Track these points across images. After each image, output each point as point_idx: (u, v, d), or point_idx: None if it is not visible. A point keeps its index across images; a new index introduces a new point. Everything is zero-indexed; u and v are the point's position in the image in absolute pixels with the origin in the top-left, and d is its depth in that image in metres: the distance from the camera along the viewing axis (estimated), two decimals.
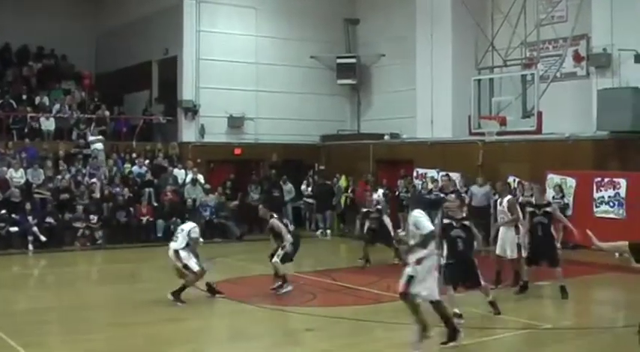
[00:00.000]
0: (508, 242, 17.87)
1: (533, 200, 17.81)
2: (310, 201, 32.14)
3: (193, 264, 16.69)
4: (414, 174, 31.07)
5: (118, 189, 29.07)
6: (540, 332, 14.04)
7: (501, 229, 18.24)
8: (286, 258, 18.03)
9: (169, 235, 27.96)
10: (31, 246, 26.02)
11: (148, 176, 30.67)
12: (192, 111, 33.62)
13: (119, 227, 28.27)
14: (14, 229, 26.46)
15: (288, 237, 18.04)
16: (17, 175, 28.19)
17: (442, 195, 21.14)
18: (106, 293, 18.75)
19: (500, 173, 27.62)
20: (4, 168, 28.35)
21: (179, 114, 34.03)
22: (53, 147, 30.89)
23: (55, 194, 27.90)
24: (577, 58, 29.10)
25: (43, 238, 26.34)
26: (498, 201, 18.94)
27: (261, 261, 23.11)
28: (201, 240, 17.50)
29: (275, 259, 17.91)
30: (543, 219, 17.07)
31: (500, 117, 27.75)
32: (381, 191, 25.19)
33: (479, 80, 28.43)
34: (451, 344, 12.46)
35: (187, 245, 16.82)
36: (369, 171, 32.72)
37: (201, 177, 30.81)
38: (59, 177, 28.65)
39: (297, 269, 21.45)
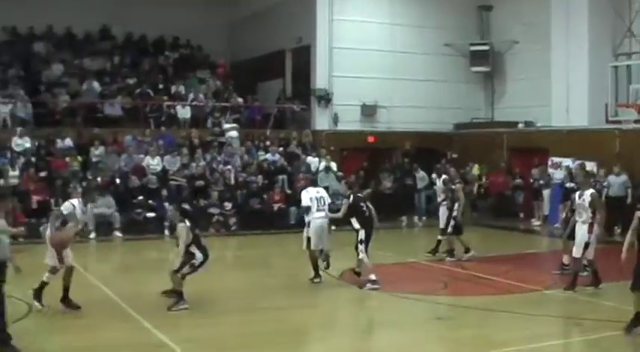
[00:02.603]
0: (577, 240, 16.60)
1: None
2: None
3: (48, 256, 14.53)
4: (549, 162, 30.55)
5: (252, 177, 29.43)
6: None
7: (576, 226, 16.75)
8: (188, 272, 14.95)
9: (302, 222, 28.33)
10: (167, 231, 26.50)
11: (282, 163, 30.94)
12: (326, 99, 33.80)
13: (252, 213, 28.59)
14: (151, 215, 27.09)
15: (198, 255, 15.13)
16: (154, 162, 28.84)
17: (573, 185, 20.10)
18: (239, 279, 18.99)
19: (638, 162, 26.99)
20: (142, 156, 29.07)
21: (312, 102, 34.25)
22: (189, 134, 31.43)
23: (190, 181, 28.40)
24: None
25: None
26: (577, 194, 16.94)
27: (391, 248, 23.21)
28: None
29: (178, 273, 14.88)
30: None
31: (638, 104, 27.12)
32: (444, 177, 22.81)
33: (616, 67, 27.82)
34: None
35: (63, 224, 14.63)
36: (502, 160, 32.40)
37: (334, 165, 30.87)
38: (194, 164, 29.15)
39: (430, 258, 21.41)
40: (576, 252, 16.58)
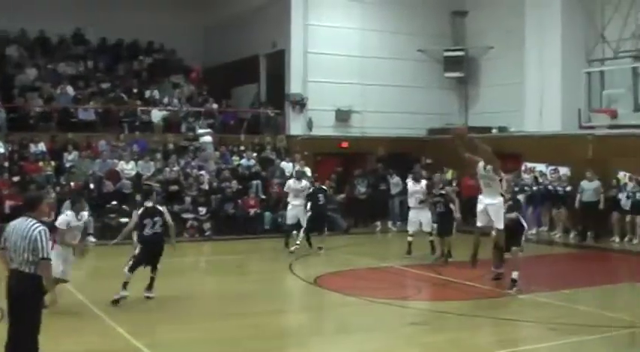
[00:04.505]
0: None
1: None
2: None
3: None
4: (522, 168, 30.64)
5: (227, 182, 29.41)
6: None
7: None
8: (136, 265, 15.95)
9: (276, 227, 28.39)
10: None
11: (256, 168, 30.94)
12: (300, 104, 33.78)
13: (227, 219, 28.58)
14: (124, 220, 26.94)
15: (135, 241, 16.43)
16: (128, 167, 28.79)
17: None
18: (213, 284, 18.97)
19: (610, 167, 27.15)
20: (116, 161, 28.99)
21: (287, 107, 34.24)
22: (163, 139, 31.41)
23: (164, 185, 28.32)
24: None
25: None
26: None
27: (367, 254, 23.33)
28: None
29: (124, 269, 15.88)
30: None
31: (611, 110, 27.27)
32: (424, 182, 23.74)
33: (589, 73, 27.98)
34: None
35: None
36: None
37: (308, 170, 30.83)
38: (168, 169, 29.09)
39: (404, 263, 21.48)
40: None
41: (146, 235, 15.89)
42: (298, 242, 23.59)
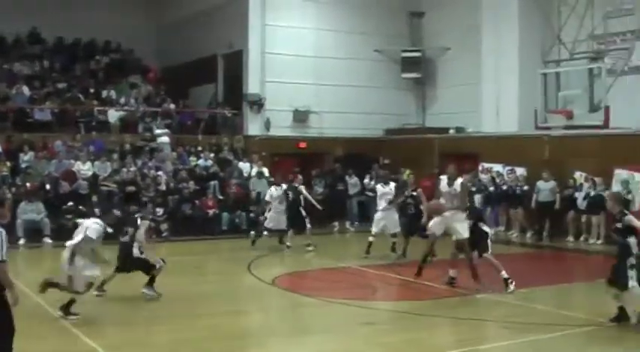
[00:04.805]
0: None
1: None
2: (372, 194, 31.95)
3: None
4: (480, 168, 30.76)
5: (184, 183, 29.27)
6: (604, 329, 13.79)
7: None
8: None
9: (234, 228, 28.32)
10: None
11: (214, 169, 30.85)
12: (258, 104, 33.72)
13: (184, 219, 28.45)
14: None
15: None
16: (85, 168, 28.56)
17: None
18: (170, 285, 18.86)
19: (566, 168, 27.37)
20: (72, 161, 28.75)
21: (244, 107, 34.18)
22: (120, 140, 31.23)
23: (121, 186, 28.13)
24: None
25: (109, 230, 26.53)
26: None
27: (325, 254, 23.34)
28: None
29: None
30: None
31: (567, 111, 27.45)
32: (392, 184, 23.74)
33: (545, 74, 28.16)
34: None
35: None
36: (434, 166, 32.48)
37: (266, 171, 30.84)
38: (125, 169, 28.90)
39: (362, 263, 21.51)
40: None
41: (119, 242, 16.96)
42: (289, 243, 24.83)
